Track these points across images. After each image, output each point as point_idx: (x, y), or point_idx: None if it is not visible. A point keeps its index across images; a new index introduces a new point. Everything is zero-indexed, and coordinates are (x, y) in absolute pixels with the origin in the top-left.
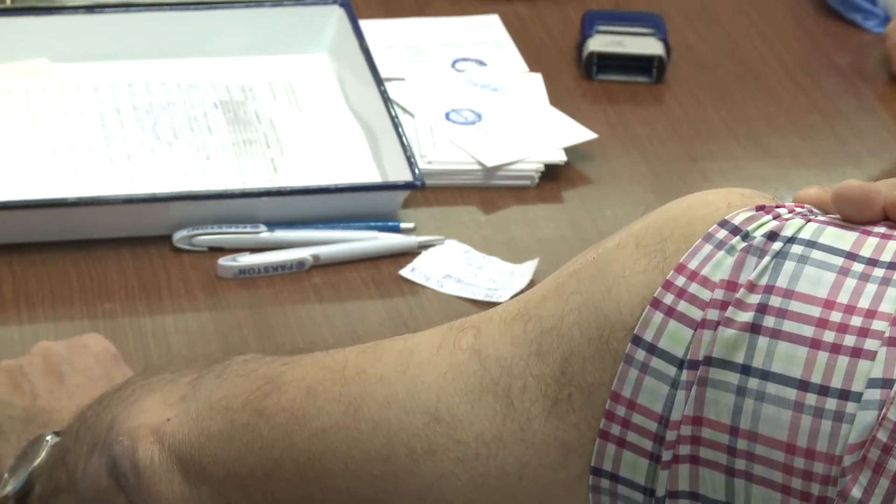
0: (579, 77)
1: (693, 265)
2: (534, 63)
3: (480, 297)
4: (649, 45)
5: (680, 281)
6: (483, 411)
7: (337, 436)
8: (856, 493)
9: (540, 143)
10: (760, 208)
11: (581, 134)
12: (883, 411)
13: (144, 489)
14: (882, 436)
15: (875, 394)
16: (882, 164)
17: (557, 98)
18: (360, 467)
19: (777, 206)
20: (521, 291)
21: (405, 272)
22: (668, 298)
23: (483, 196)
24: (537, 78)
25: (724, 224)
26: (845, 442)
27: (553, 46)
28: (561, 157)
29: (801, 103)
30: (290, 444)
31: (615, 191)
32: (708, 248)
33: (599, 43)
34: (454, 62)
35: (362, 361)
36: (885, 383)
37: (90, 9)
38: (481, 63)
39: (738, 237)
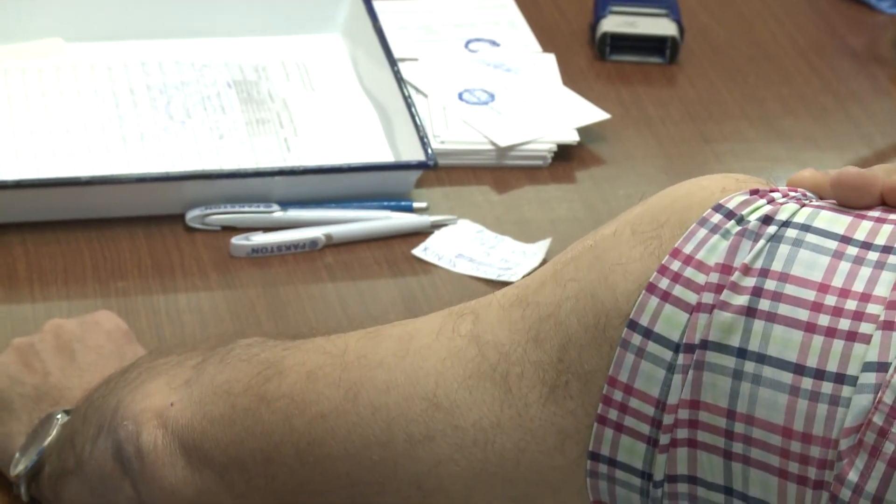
0: (592, 58)
1: (688, 249)
2: (547, 43)
3: (493, 276)
4: (662, 26)
5: (675, 265)
6: (481, 397)
7: (336, 420)
8: (852, 476)
9: (553, 124)
10: (755, 192)
11: (594, 114)
12: (878, 395)
13: (148, 474)
14: (878, 419)
15: (870, 377)
16: (894, 144)
17: (570, 78)
18: (359, 452)
19: (771, 191)
20: (534, 271)
21: (418, 251)
22: (664, 283)
23: (496, 176)
24: (550, 58)
25: (718, 208)
26: (841, 426)
27: (566, 27)
28: (574, 138)
29: (814, 85)
30: (290, 429)
31: (628, 171)
32: (703, 232)
33: (613, 23)
34: (467, 42)
35: (362, 347)
36: (880, 367)
37: None
38: (494, 43)
39: (732, 221)
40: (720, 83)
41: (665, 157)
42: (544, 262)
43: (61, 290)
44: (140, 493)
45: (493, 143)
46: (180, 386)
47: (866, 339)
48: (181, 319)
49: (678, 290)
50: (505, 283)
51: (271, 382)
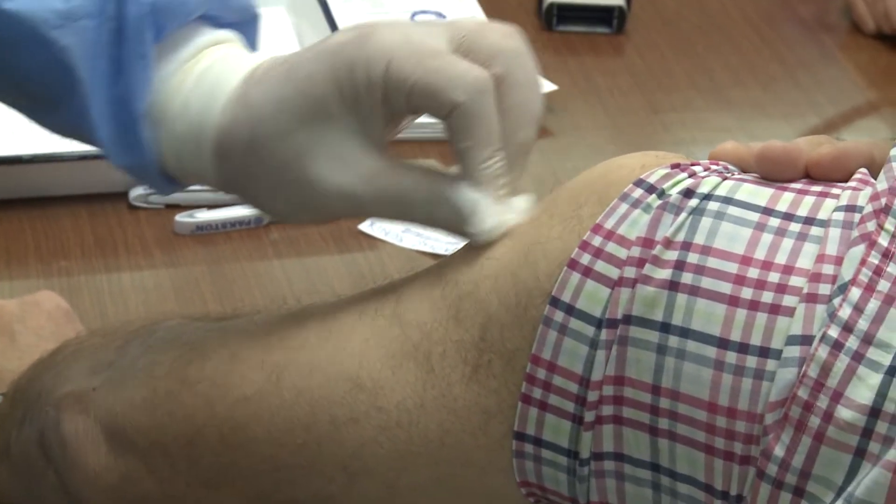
0: (539, 28)
1: (609, 224)
2: (493, 14)
3: (441, 250)
4: None
5: (596, 241)
6: (404, 377)
7: (259, 403)
8: (778, 451)
9: None
10: (676, 166)
11: (541, 85)
12: (803, 369)
13: (70, 460)
14: (803, 393)
15: (794, 351)
16: (843, 112)
17: None
18: (283, 435)
19: (692, 164)
20: None
21: (364, 227)
22: (585, 259)
23: (442, 149)
24: None
25: (639, 183)
26: (766, 400)
27: None
28: None
29: (763, 54)
30: (212, 413)
31: (576, 143)
32: (624, 207)
33: None
34: (413, 14)
35: (286, 328)
36: (804, 340)
37: None
38: (440, 15)
39: (653, 195)
40: (669, 53)
41: (614, 129)
42: None
43: (3, 270)
44: (64, 481)
45: None
46: (103, 370)
47: (790, 311)
48: (125, 299)
49: (600, 266)
50: None
51: (193, 365)
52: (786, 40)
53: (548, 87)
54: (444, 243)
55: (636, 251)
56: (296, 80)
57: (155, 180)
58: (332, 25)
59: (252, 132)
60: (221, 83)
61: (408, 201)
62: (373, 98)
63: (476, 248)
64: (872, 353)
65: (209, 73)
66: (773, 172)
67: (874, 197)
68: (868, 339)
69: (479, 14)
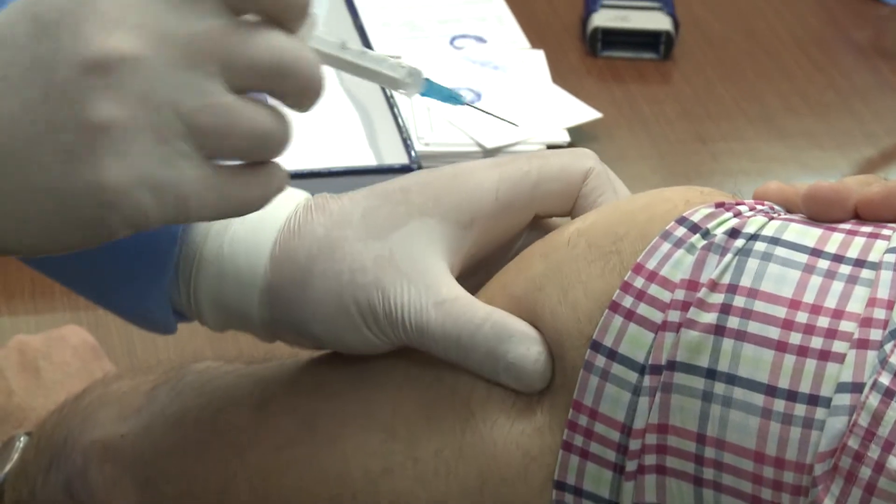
0: (583, 54)
1: (651, 265)
2: (536, 39)
3: None
4: (656, 20)
5: (638, 282)
6: (440, 424)
7: (292, 453)
8: (828, 503)
9: (542, 124)
10: (720, 205)
11: (585, 113)
12: (853, 417)
13: None
14: (853, 443)
15: (845, 399)
16: None
17: (560, 76)
18: (315, 486)
19: (738, 204)
20: None
21: None
22: (627, 301)
23: None
24: (539, 55)
25: (682, 221)
26: (815, 450)
27: (556, 22)
28: (564, 138)
29: (816, 81)
30: (243, 462)
31: (621, 173)
32: (666, 246)
33: (604, 18)
34: (453, 39)
35: (318, 374)
36: (854, 387)
37: None
38: (481, 40)
39: (697, 235)
40: (717, 79)
41: (659, 158)
42: None
43: (27, 303)
44: None
45: (479, 145)
46: (131, 415)
47: (840, 358)
48: (154, 335)
49: (643, 309)
50: None
51: (224, 413)
52: (839, 66)
53: (592, 114)
54: None
55: (680, 294)
56: (388, 191)
57: (164, 321)
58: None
59: (326, 237)
60: (271, 215)
61: (487, 342)
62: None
63: (506, 282)
64: None
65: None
66: (821, 213)
67: None
68: None
69: (522, 40)
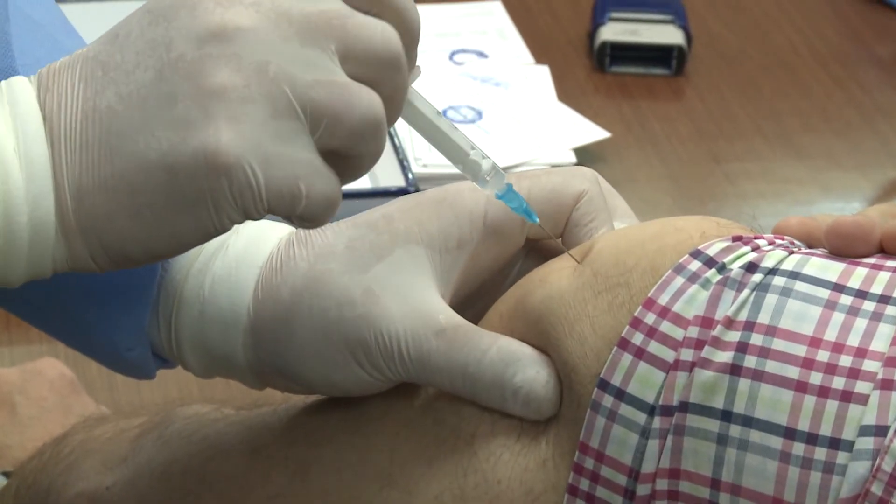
0: (591, 69)
1: (663, 300)
2: (540, 54)
3: None
4: (668, 34)
5: (649, 318)
6: (442, 467)
7: (285, 503)
8: None
9: (547, 144)
10: (737, 238)
11: (593, 133)
12: (877, 462)
13: None
14: (876, 489)
15: (868, 442)
16: None
17: (567, 93)
18: None
19: (756, 237)
20: None
21: None
22: (637, 338)
23: None
24: (544, 70)
25: (697, 255)
26: (837, 496)
27: (562, 36)
28: (570, 159)
29: (836, 98)
30: None
31: (630, 196)
32: (679, 280)
33: (613, 31)
34: (452, 54)
35: (310, 421)
36: (878, 430)
37: None
38: (482, 55)
39: (713, 269)
40: (732, 96)
41: (671, 180)
42: None
43: (2, 335)
44: None
45: None
46: (116, 465)
47: (863, 399)
48: None
49: (653, 347)
50: None
51: (212, 462)
52: (861, 82)
53: (600, 134)
54: None
55: (694, 331)
56: (371, 220)
57: (142, 365)
58: None
59: (310, 272)
60: (253, 252)
61: (492, 372)
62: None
63: (505, 311)
64: None
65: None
66: (844, 248)
67: None
68: None
69: (525, 55)
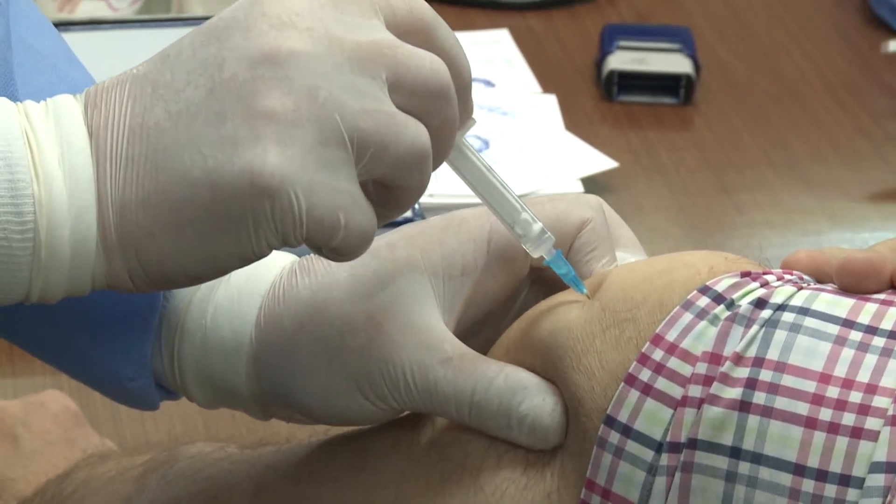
0: (598, 98)
1: (671, 336)
2: (548, 83)
3: None
4: (676, 63)
5: (657, 354)
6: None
7: None
8: None
9: (554, 173)
10: (746, 274)
11: (600, 162)
12: (888, 499)
13: None
14: None
15: (878, 479)
16: None
17: (574, 122)
18: None
19: (765, 273)
20: None
21: None
22: (645, 374)
23: None
24: (551, 100)
25: (705, 290)
26: None
27: (569, 65)
28: (578, 188)
29: (846, 127)
30: None
31: (638, 226)
32: (688, 317)
33: (621, 60)
34: None
35: (315, 459)
36: (889, 467)
37: None
38: (489, 83)
39: (721, 305)
40: (741, 126)
41: (679, 210)
42: None
43: (5, 365)
44: None
45: None
46: None
47: (873, 435)
48: None
49: (661, 383)
50: None
51: (216, 501)
52: (871, 111)
53: (607, 163)
54: None
55: (702, 368)
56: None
57: (145, 396)
58: None
59: (312, 300)
60: (255, 280)
61: (499, 402)
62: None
63: (509, 345)
64: None
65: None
66: (855, 285)
67: None
68: None
69: (532, 83)
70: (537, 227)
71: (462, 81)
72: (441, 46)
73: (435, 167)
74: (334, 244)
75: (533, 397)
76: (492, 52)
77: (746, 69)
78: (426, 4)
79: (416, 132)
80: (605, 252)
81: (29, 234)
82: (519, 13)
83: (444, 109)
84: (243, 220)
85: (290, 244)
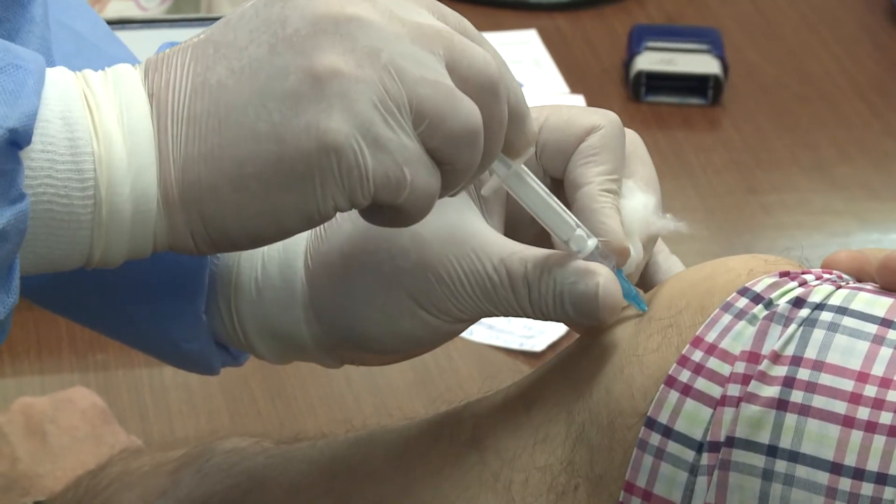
0: (626, 99)
1: (711, 337)
2: (576, 83)
3: (514, 345)
4: (704, 63)
5: (697, 356)
6: None
7: None
8: None
9: None
10: (785, 274)
11: None
12: None
13: None
14: None
15: None
16: None
17: None
18: None
19: (803, 272)
20: (560, 339)
21: None
22: (685, 375)
23: None
24: (579, 100)
25: (744, 292)
26: None
27: (597, 65)
28: None
29: (874, 128)
30: None
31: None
32: (727, 318)
33: (649, 61)
34: None
35: (352, 454)
36: None
37: None
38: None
39: (760, 305)
40: (769, 126)
41: (706, 211)
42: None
43: (34, 363)
44: None
45: None
46: (155, 499)
47: None
48: (167, 396)
49: (701, 383)
50: (527, 353)
51: (251, 495)
52: None
53: None
54: (519, 337)
55: (741, 367)
56: None
57: (204, 358)
58: None
59: (355, 231)
60: None
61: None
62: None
63: (564, 361)
64: None
65: None
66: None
67: None
68: None
69: (560, 84)
70: (592, 242)
71: (517, 110)
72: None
73: (484, 166)
74: (400, 201)
75: (590, 278)
76: (520, 52)
77: (774, 70)
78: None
79: (471, 110)
80: (607, 162)
81: (90, 191)
82: (547, 14)
83: (493, 105)
84: (310, 176)
85: (357, 203)
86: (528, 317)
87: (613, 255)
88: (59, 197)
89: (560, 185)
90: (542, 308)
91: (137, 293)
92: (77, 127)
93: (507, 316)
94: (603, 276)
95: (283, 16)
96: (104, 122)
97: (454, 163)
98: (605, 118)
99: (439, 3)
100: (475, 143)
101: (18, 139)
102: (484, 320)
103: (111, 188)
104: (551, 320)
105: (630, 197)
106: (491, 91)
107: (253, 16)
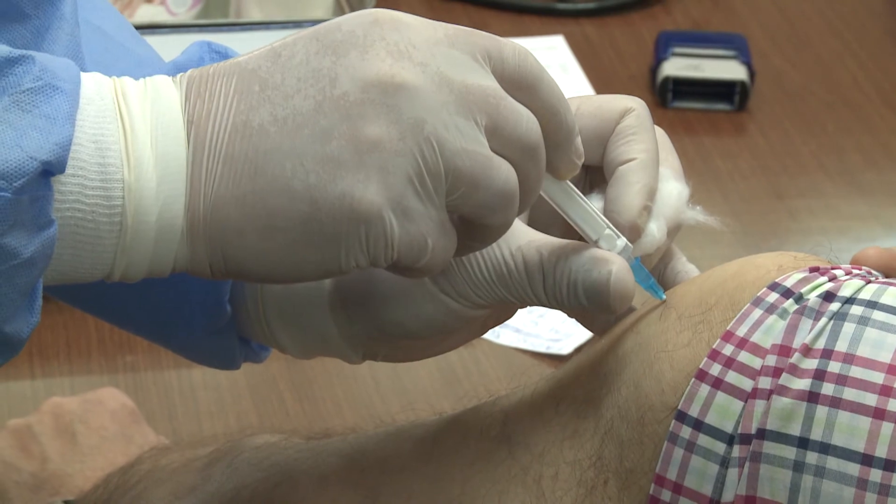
0: (653, 104)
1: (742, 332)
2: (602, 89)
3: (541, 348)
4: (731, 69)
5: (728, 350)
6: (513, 502)
7: None
8: None
9: None
10: (815, 270)
11: None
12: None
13: None
14: None
15: None
16: None
17: None
18: None
19: (833, 268)
20: (586, 343)
21: None
22: (715, 369)
23: None
24: None
25: (774, 287)
26: None
27: (623, 71)
28: None
29: None
30: None
31: (691, 231)
32: (758, 312)
33: (676, 66)
34: None
35: (382, 448)
36: None
37: None
38: None
39: (790, 300)
40: (795, 132)
41: (733, 216)
42: None
43: (63, 365)
44: None
45: None
46: (186, 495)
47: None
48: (196, 397)
49: (731, 377)
50: (554, 357)
51: (280, 488)
52: None
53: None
54: (546, 341)
55: (771, 360)
56: None
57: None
58: None
59: None
60: None
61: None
62: None
63: (594, 358)
64: None
65: None
66: None
67: None
68: None
69: (587, 89)
70: (621, 242)
71: (563, 135)
72: (544, 102)
73: (520, 212)
74: (420, 265)
75: (603, 265)
76: (547, 58)
77: (800, 76)
78: (535, 60)
79: (507, 177)
80: (645, 140)
81: (117, 217)
82: (574, 20)
83: (530, 166)
84: (336, 241)
85: (377, 265)
86: (542, 305)
87: (625, 232)
88: (86, 221)
89: (589, 172)
90: (557, 295)
91: (163, 281)
92: (109, 153)
93: (523, 303)
94: (616, 265)
95: (333, 73)
96: (137, 146)
97: (487, 224)
98: (636, 101)
99: (499, 44)
100: (508, 208)
101: (52, 168)
102: (510, 323)
103: (138, 216)
104: (565, 310)
105: (665, 182)
106: (530, 155)
107: (303, 61)
